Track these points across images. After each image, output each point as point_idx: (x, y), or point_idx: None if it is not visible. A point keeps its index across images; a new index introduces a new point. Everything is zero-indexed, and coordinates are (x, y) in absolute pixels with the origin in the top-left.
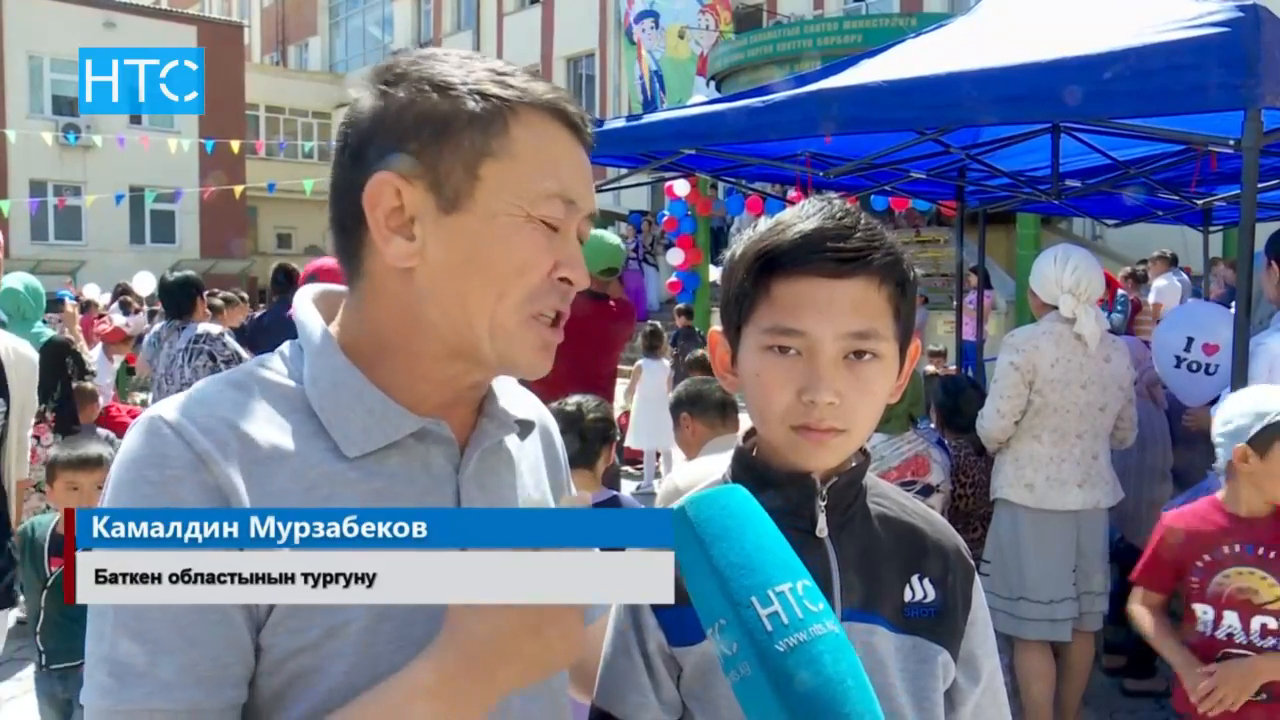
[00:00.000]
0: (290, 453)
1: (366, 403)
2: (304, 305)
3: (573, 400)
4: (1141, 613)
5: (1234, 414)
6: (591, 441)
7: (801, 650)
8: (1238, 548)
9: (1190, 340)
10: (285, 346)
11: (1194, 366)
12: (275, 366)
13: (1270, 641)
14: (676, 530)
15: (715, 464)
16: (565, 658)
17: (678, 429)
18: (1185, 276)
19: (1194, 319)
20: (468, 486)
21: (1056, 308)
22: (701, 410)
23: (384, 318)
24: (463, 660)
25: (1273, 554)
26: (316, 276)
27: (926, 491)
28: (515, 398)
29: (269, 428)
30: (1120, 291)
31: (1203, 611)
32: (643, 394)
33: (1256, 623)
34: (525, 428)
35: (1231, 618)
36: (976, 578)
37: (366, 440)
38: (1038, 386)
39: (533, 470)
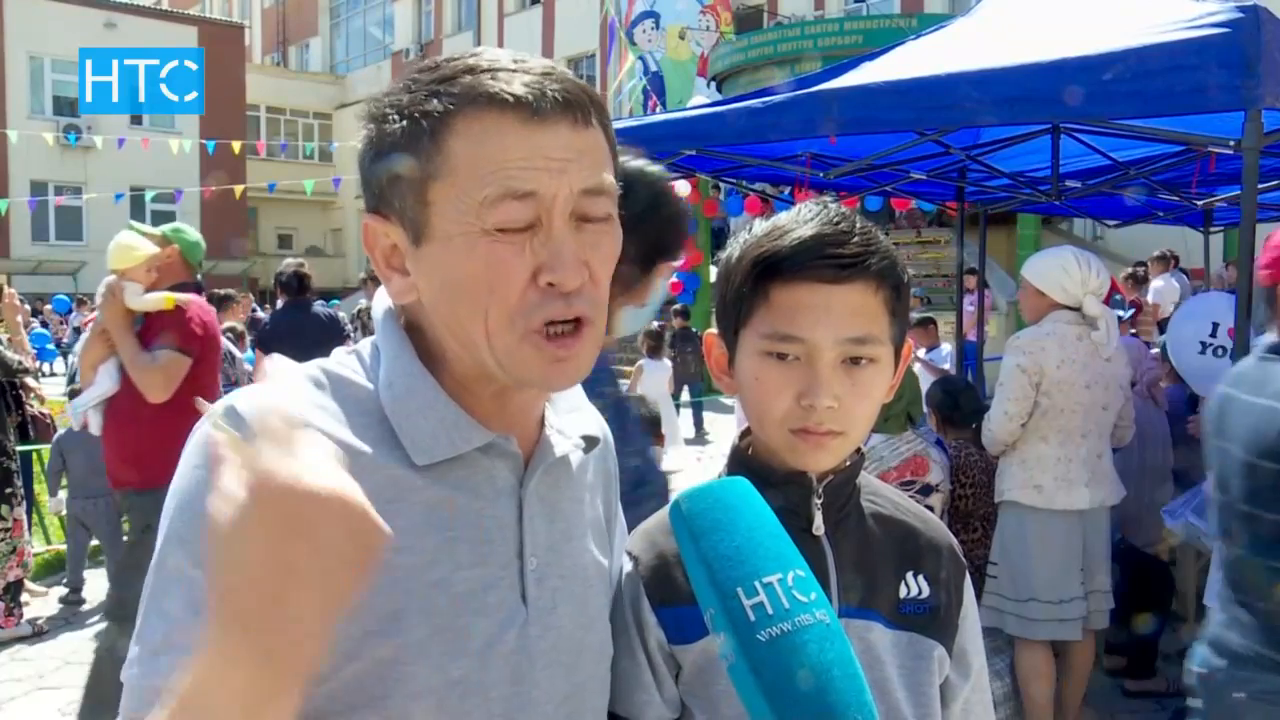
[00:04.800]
0: (360, 453)
1: (439, 412)
2: (383, 307)
3: None
4: None
5: None
6: None
7: (785, 640)
8: None
9: (1216, 326)
10: (365, 345)
11: (1219, 351)
12: (353, 366)
13: None
14: (673, 524)
15: None
16: (359, 554)
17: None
18: (1185, 278)
19: (1217, 307)
20: (530, 500)
21: (1065, 308)
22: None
23: (431, 336)
24: (223, 606)
25: None
26: None
27: (926, 491)
28: (581, 410)
29: (341, 428)
30: (1116, 295)
31: None
32: (643, 392)
33: None
34: (590, 443)
35: None
36: (967, 575)
37: (436, 449)
38: (1045, 388)
39: (592, 487)
